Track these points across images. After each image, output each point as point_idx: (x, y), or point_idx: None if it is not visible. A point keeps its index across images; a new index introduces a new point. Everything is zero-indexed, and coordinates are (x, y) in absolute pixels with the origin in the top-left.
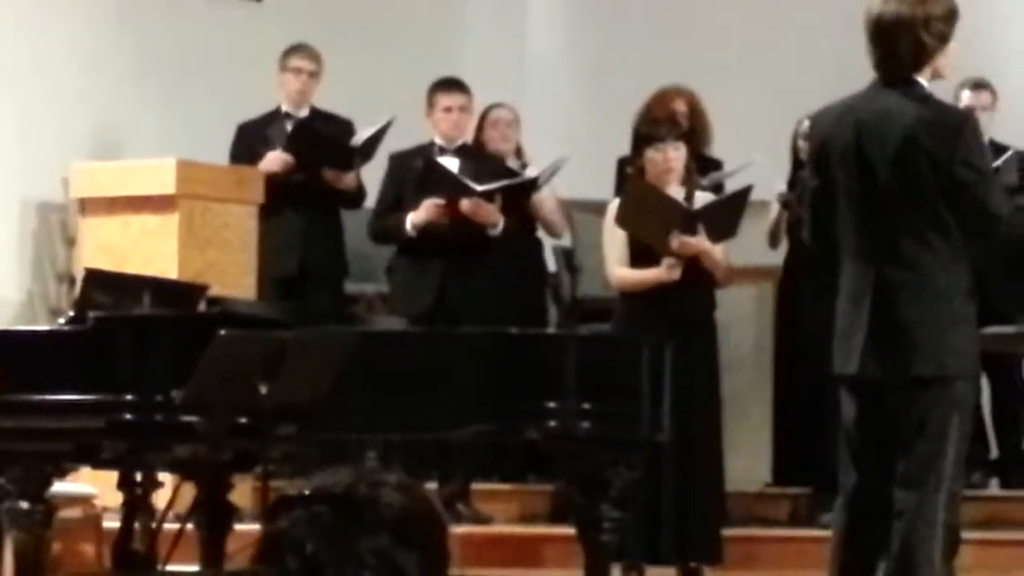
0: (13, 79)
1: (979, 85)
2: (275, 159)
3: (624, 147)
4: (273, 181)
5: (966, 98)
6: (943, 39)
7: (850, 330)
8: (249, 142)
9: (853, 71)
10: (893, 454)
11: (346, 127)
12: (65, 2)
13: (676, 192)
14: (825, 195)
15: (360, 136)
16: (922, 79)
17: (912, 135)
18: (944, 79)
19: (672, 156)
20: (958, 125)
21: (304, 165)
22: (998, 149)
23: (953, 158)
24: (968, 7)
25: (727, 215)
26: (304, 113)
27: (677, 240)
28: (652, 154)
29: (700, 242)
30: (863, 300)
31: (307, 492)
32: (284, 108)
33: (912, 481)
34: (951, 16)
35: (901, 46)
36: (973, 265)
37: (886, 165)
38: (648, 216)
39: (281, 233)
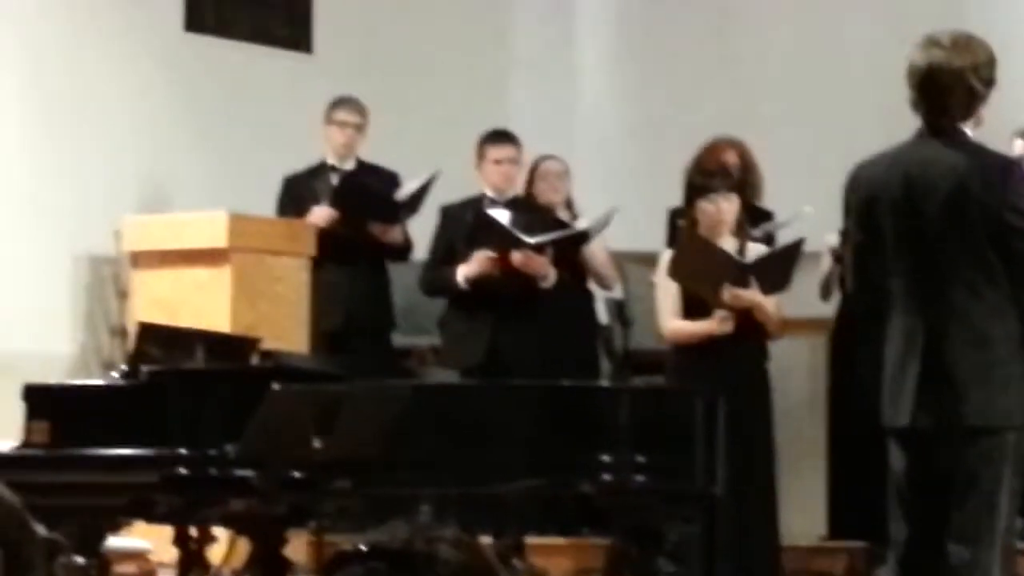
0: (65, 133)
1: None
2: (320, 214)
3: (675, 198)
4: (319, 235)
5: (1020, 147)
6: (989, 85)
7: (900, 382)
8: (295, 195)
9: (905, 121)
10: (945, 507)
11: (391, 179)
12: (116, 55)
13: (728, 244)
14: (870, 248)
15: (405, 189)
16: (967, 127)
17: (961, 184)
18: (981, 126)
19: (724, 207)
20: (1005, 172)
21: (350, 219)
22: None
23: (1002, 205)
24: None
25: (779, 268)
26: (350, 166)
27: (729, 293)
28: (704, 205)
29: (752, 295)
30: (913, 351)
31: (364, 548)
32: (330, 161)
33: (966, 535)
34: (993, 61)
35: (953, 96)
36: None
37: (935, 215)
38: (700, 269)
39: (327, 287)
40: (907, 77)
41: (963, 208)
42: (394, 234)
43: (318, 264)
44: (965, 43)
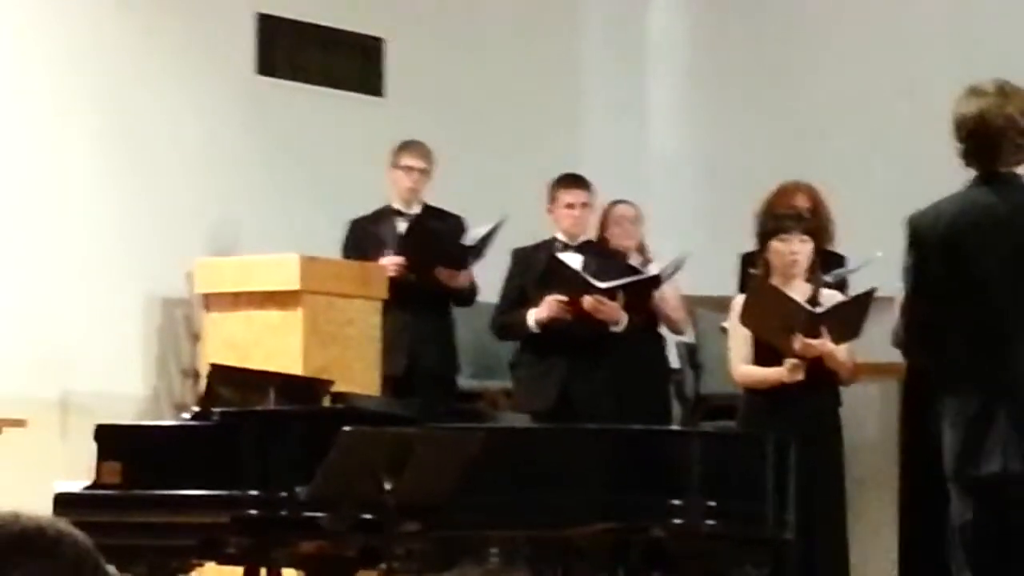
0: (138, 174)
1: None
2: (389, 265)
3: (746, 242)
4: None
5: None
6: None
7: (981, 430)
8: (360, 239)
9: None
10: (1015, 559)
11: (457, 224)
12: (190, 98)
13: (801, 289)
14: (927, 299)
15: (473, 234)
16: (1021, 170)
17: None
18: None
19: (798, 248)
20: None
21: (417, 264)
22: None
23: None
24: None
25: (851, 317)
26: (415, 210)
27: (800, 343)
28: (778, 245)
29: (823, 344)
30: (998, 399)
31: None
32: (395, 205)
33: None
34: None
35: (1005, 141)
36: None
37: (999, 260)
38: (771, 317)
39: (391, 331)
40: (955, 128)
41: None
42: (461, 279)
43: (384, 308)
44: (1011, 90)
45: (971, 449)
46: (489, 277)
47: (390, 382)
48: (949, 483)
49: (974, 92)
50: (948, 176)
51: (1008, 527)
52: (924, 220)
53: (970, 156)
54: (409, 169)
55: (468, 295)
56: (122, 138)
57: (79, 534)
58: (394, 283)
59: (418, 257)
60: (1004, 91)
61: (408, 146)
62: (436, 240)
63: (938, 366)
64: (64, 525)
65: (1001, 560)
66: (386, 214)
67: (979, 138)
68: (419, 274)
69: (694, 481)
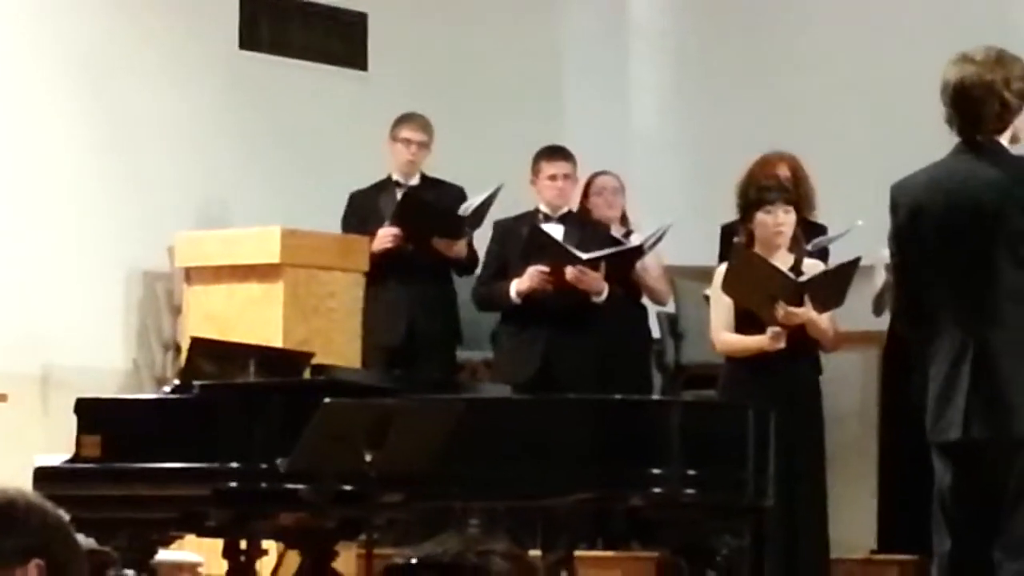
0: (119, 149)
1: None
2: (385, 237)
3: (727, 213)
4: (384, 251)
5: None
6: (1023, 98)
7: (948, 395)
8: (360, 211)
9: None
10: (990, 520)
11: (458, 194)
12: (172, 73)
13: (784, 258)
14: (912, 265)
15: (469, 204)
16: (1003, 140)
17: (1005, 196)
18: (1020, 141)
19: (782, 219)
20: None
21: (413, 235)
22: None
23: None
24: None
25: (834, 286)
26: (414, 182)
27: (783, 310)
28: (762, 216)
29: (806, 312)
30: (962, 364)
31: (415, 561)
32: (395, 177)
33: (1013, 548)
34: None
35: (986, 109)
36: None
37: (978, 229)
38: (754, 285)
39: (388, 302)
40: (940, 93)
41: (1007, 221)
42: (458, 248)
43: (380, 279)
44: (997, 58)
45: (939, 414)
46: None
47: (387, 353)
48: (930, 446)
49: (961, 59)
50: (929, 144)
51: (984, 492)
52: (902, 187)
53: (952, 122)
54: (408, 141)
55: (468, 264)
56: (104, 112)
57: (49, 505)
58: (392, 253)
59: (413, 228)
60: (990, 59)
61: (407, 118)
62: (430, 210)
63: (921, 330)
64: (35, 497)
65: (980, 521)
66: (386, 186)
67: (960, 105)
68: (416, 244)
69: (674, 450)
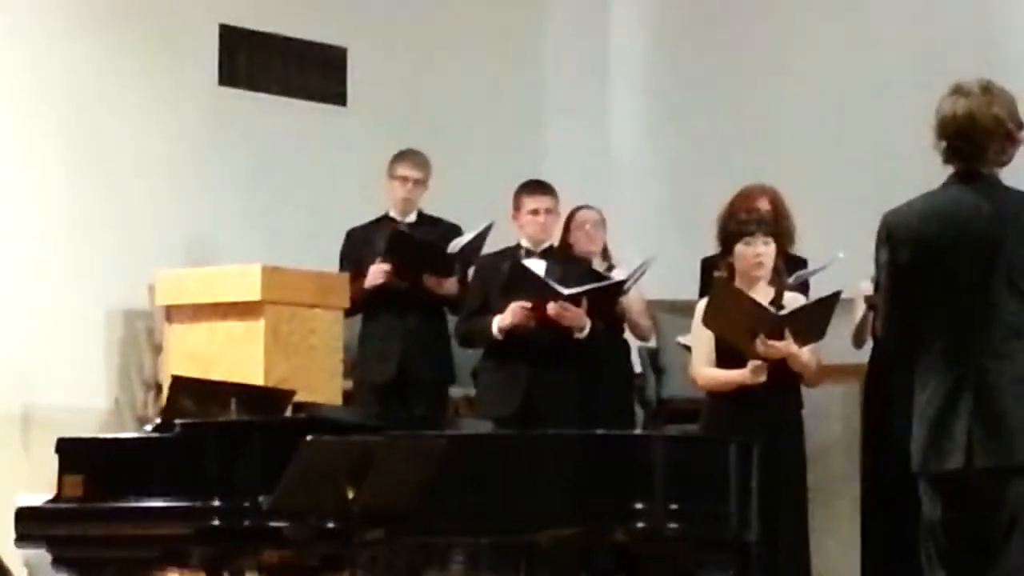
0: (99, 187)
1: None
2: (376, 273)
3: (708, 247)
4: (374, 288)
5: None
6: (1021, 129)
7: (945, 425)
8: (356, 247)
9: (937, 166)
10: (983, 552)
11: (453, 231)
12: (150, 109)
13: (765, 291)
14: (907, 295)
15: (458, 241)
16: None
17: (1008, 229)
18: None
19: (762, 251)
20: None
21: (403, 272)
22: None
23: None
24: None
25: (815, 319)
26: (411, 219)
27: (763, 344)
28: (742, 249)
29: (787, 346)
30: (960, 395)
31: None
32: (392, 214)
33: None
34: (1017, 105)
35: (994, 142)
36: None
37: (982, 261)
38: (734, 319)
39: (379, 339)
40: (940, 127)
41: (1008, 253)
42: (448, 285)
43: (372, 316)
44: (997, 90)
45: (935, 444)
46: None
47: (378, 390)
48: (917, 478)
49: (959, 91)
50: (909, 177)
51: (976, 520)
52: (898, 217)
53: (953, 155)
54: (404, 179)
55: (459, 301)
56: (82, 149)
57: None
58: (382, 290)
59: (404, 264)
60: (991, 91)
61: (403, 156)
62: (419, 248)
63: (911, 361)
64: None
65: (972, 553)
66: (382, 223)
67: (966, 137)
68: (407, 281)
69: (657, 484)
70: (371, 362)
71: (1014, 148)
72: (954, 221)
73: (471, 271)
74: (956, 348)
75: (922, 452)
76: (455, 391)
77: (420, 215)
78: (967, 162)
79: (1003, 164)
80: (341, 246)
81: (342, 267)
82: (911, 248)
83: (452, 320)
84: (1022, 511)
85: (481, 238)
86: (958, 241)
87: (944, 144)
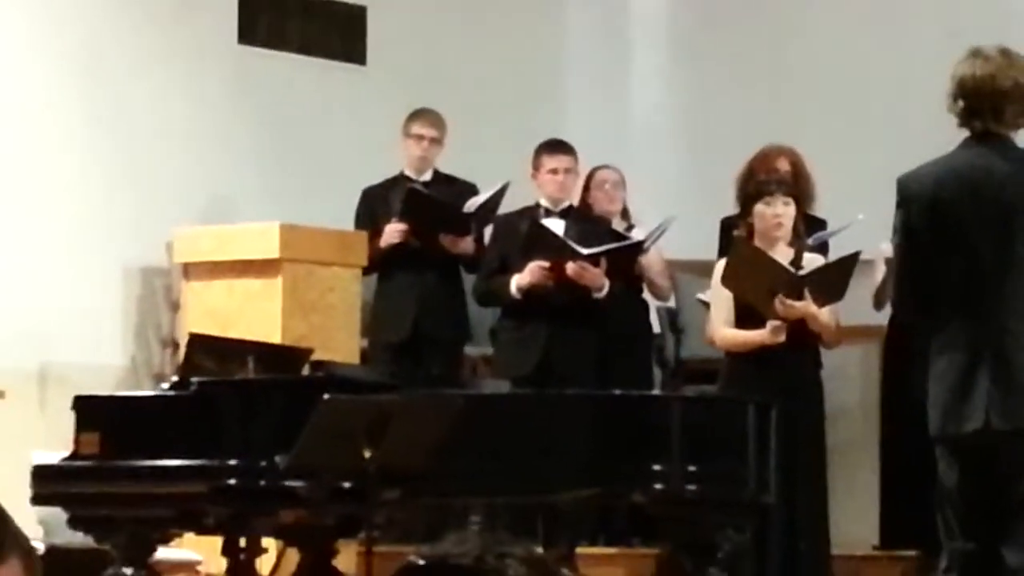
0: (117, 145)
1: None
2: (392, 232)
3: (727, 207)
4: (390, 247)
5: None
6: None
7: (965, 388)
8: (372, 206)
9: (956, 129)
10: (1001, 514)
11: (469, 190)
12: (170, 67)
13: (784, 252)
14: (923, 257)
15: (475, 201)
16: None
17: (1020, 189)
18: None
19: (782, 212)
20: None
21: (419, 231)
22: None
23: None
24: None
25: (834, 280)
26: (427, 178)
27: (782, 304)
28: (762, 209)
29: (806, 306)
30: (980, 358)
31: (431, 562)
32: (407, 173)
33: (1021, 542)
34: None
35: (1013, 104)
36: None
37: (997, 221)
38: (754, 279)
39: (394, 298)
40: (958, 88)
41: (1020, 214)
42: (464, 245)
43: (387, 275)
44: (1015, 55)
45: (954, 407)
46: None
47: (393, 349)
48: (935, 442)
49: (978, 55)
50: (929, 139)
51: (994, 485)
52: (914, 179)
53: (971, 115)
54: (419, 137)
55: (475, 260)
56: (101, 108)
57: None
58: (398, 249)
59: (419, 224)
60: (1009, 56)
61: (418, 114)
62: (435, 207)
63: (927, 324)
64: None
65: (989, 518)
66: (397, 182)
67: (984, 98)
68: (423, 240)
69: (675, 446)
70: (386, 321)
71: None
72: (970, 183)
73: (487, 230)
74: (974, 310)
75: (941, 415)
76: (472, 350)
77: (436, 174)
78: (985, 123)
79: (1020, 127)
80: (357, 205)
81: (357, 226)
82: (927, 210)
83: (467, 279)
84: None
85: (497, 197)
86: (974, 203)
87: (962, 105)
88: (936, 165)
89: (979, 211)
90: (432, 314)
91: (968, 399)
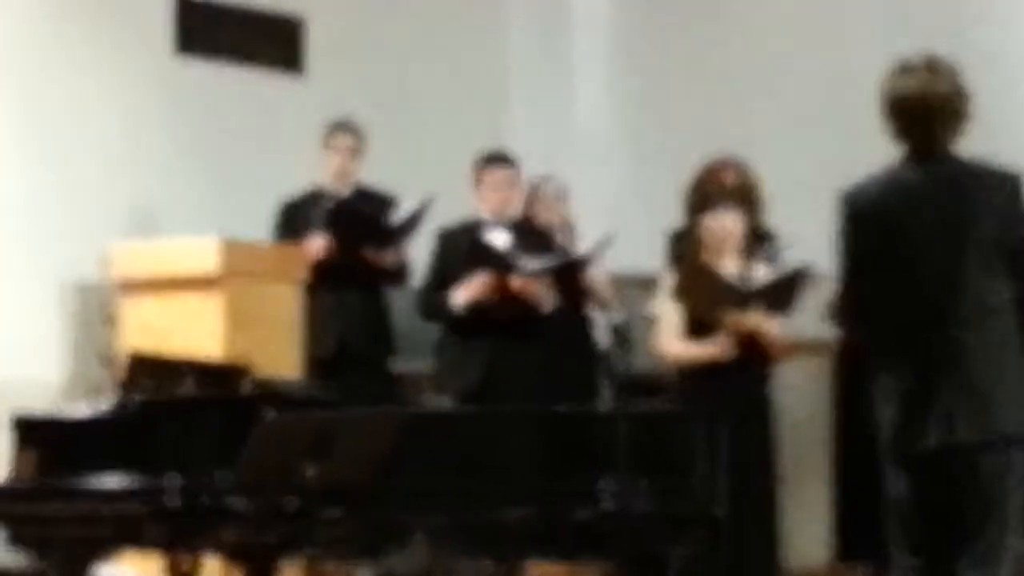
0: (53, 158)
1: None
2: (314, 245)
3: (673, 219)
4: (315, 262)
5: None
6: (969, 103)
7: (919, 403)
8: (292, 220)
9: None
10: (955, 531)
11: (388, 203)
12: (105, 77)
13: (733, 265)
14: (866, 272)
15: (399, 213)
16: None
17: (971, 204)
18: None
19: (730, 226)
20: (1013, 185)
21: (344, 246)
22: None
23: (1016, 217)
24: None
25: (783, 293)
26: (347, 191)
27: (732, 318)
28: (710, 222)
29: (755, 321)
30: (931, 372)
31: None
32: (327, 186)
33: (981, 556)
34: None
35: (942, 120)
36: None
37: (948, 237)
38: (702, 293)
39: (320, 313)
40: (887, 106)
41: (973, 228)
42: (389, 258)
43: (311, 290)
44: (944, 68)
45: (908, 423)
46: (414, 258)
47: (318, 365)
48: (884, 459)
49: (907, 70)
50: (876, 150)
51: (946, 501)
52: (857, 194)
53: (903, 133)
54: (339, 150)
55: (398, 275)
56: (38, 120)
57: None
58: (322, 265)
59: (344, 238)
60: (936, 68)
61: (337, 127)
62: (360, 220)
63: (873, 340)
64: None
65: (939, 535)
66: (317, 195)
67: (913, 116)
68: (347, 255)
69: (622, 461)
70: (311, 336)
71: (962, 124)
72: (915, 200)
73: (428, 244)
74: (924, 324)
75: (894, 431)
76: (415, 366)
77: (356, 186)
78: (915, 140)
79: (954, 140)
80: (275, 219)
81: (277, 240)
82: (870, 226)
83: (396, 293)
84: (998, 484)
85: (421, 211)
86: (916, 218)
87: (893, 123)
88: (880, 179)
89: (924, 228)
90: (356, 329)
91: (925, 413)
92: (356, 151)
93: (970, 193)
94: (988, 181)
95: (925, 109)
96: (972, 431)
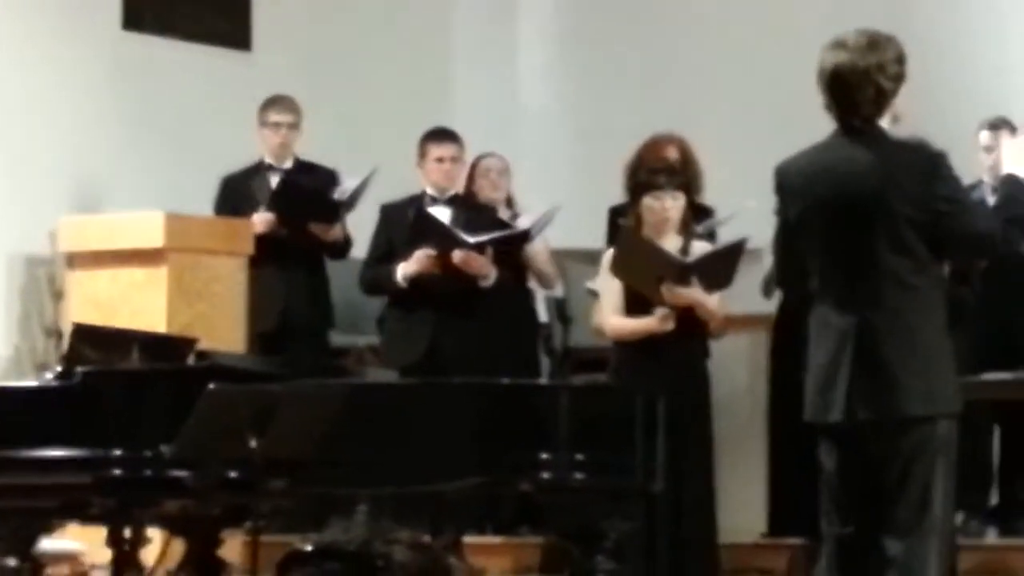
0: None
1: (997, 124)
2: (260, 222)
3: (615, 195)
4: (258, 236)
5: (985, 138)
6: (899, 81)
7: (830, 377)
8: (233, 196)
9: None
10: (878, 501)
11: (330, 177)
12: (52, 53)
13: (673, 241)
14: (795, 244)
15: (344, 188)
16: (883, 123)
17: (883, 180)
18: (903, 121)
19: (670, 205)
20: (931, 163)
21: (289, 221)
22: None
23: (932, 195)
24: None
25: (721, 266)
26: (287, 165)
27: (670, 292)
28: (650, 202)
29: (693, 293)
30: (844, 346)
31: (317, 548)
32: (267, 160)
33: (902, 528)
34: (902, 58)
35: (861, 95)
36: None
37: (860, 213)
38: (641, 267)
39: (263, 288)
40: (818, 79)
41: (885, 205)
42: (333, 233)
43: (255, 265)
44: (871, 43)
45: (820, 395)
46: (358, 233)
47: (261, 339)
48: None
49: (836, 45)
50: (818, 126)
51: (869, 474)
52: (787, 169)
53: (831, 107)
54: (277, 125)
55: (342, 248)
56: None
57: None
58: (266, 239)
59: (289, 213)
60: (863, 45)
61: (274, 102)
62: (306, 196)
63: (799, 311)
64: None
65: (865, 505)
66: (258, 170)
67: (837, 91)
68: (291, 230)
69: (562, 435)
70: (255, 311)
71: (886, 100)
72: (835, 175)
73: (371, 217)
74: (842, 300)
75: (811, 403)
76: (359, 339)
77: (296, 161)
78: (842, 115)
79: (878, 115)
80: (216, 194)
81: (218, 215)
82: (797, 201)
83: (332, 267)
84: (913, 462)
85: (365, 184)
86: (838, 195)
87: (824, 97)
88: (805, 156)
89: (842, 203)
90: (299, 303)
91: (832, 388)
92: (293, 126)
93: (883, 169)
94: (905, 158)
95: (847, 83)
96: (869, 411)
